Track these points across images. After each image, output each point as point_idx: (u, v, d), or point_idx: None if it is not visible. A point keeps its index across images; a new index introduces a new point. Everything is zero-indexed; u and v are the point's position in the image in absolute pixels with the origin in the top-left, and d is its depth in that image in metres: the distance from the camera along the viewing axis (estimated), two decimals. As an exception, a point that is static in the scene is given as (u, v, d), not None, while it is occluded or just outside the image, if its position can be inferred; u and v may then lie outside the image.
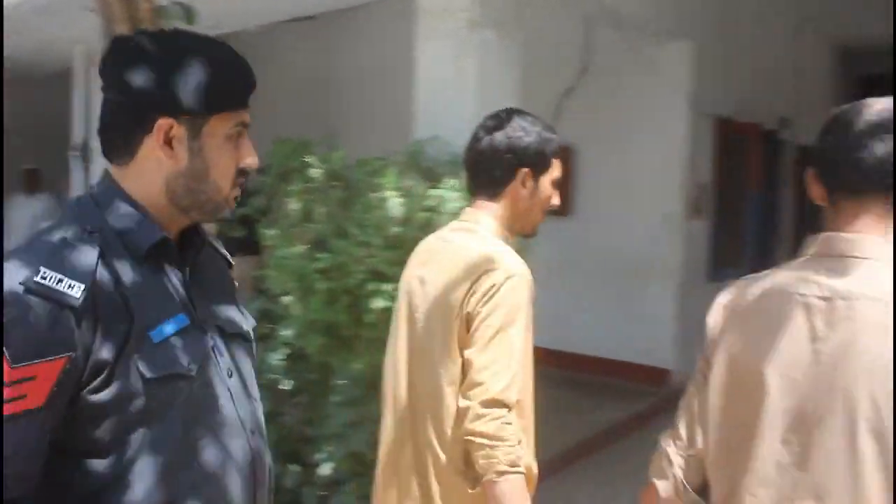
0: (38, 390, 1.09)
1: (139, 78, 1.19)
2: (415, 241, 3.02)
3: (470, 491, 1.77)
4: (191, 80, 1.20)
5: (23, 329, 1.08)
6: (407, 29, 4.23)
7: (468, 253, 1.82)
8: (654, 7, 5.81)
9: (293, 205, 3.15)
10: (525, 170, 1.87)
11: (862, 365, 1.25)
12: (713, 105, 6.63)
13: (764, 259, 8.38)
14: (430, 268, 1.89)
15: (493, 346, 1.71)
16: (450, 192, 3.01)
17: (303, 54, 7.87)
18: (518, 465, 1.67)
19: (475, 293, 1.75)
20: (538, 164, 1.88)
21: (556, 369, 6.01)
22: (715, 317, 1.46)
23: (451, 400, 1.78)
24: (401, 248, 2.98)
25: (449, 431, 1.79)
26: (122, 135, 1.24)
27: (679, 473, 1.48)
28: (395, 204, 3.00)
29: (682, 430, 1.49)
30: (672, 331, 6.43)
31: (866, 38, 9.89)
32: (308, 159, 3.24)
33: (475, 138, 1.91)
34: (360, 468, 3.42)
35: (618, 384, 6.24)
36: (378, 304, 2.91)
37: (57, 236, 1.17)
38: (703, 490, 1.48)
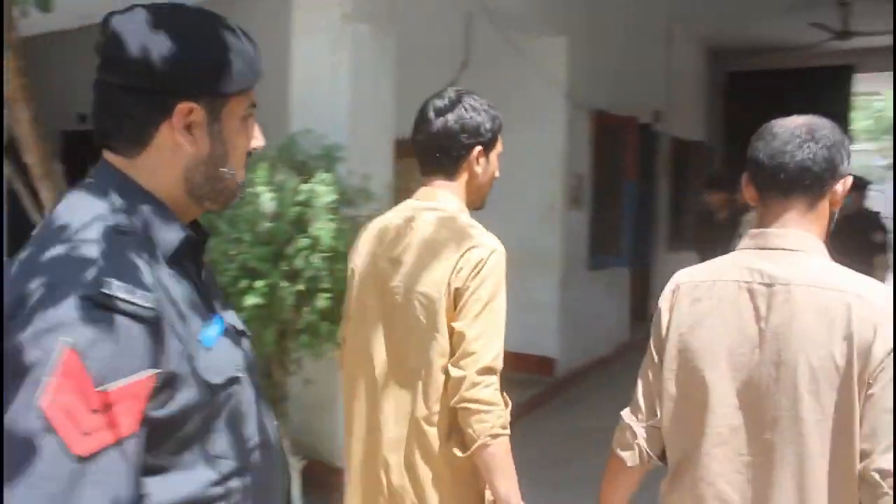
0: (129, 414, 0.95)
1: (154, 58, 1.05)
2: (287, 236, 3.03)
3: (460, 455, 1.84)
4: (210, 59, 1.09)
5: (103, 348, 0.93)
6: (281, 23, 4.17)
7: (448, 231, 1.88)
8: (530, 3, 5.94)
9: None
10: (479, 147, 1.94)
11: (800, 340, 1.47)
12: (589, 98, 6.83)
13: (641, 247, 8.70)
14: (405, 248, 1.93)
15: (482, 318, 1.80)
16: (321, 185, 2.98)
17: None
18: (507, 428, 1.80)
19: (462, 269, 1.82)
20: (489, 141, 1.96)
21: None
22: (667, 302, 1.67)
23: (438, 372, 1.85)
24: (272, 244, 2.94)
25: (437, 403, 1.86)
26: (133, 122, 1.09)
27: (643, 443, 1.67)
28: (266, 199, 2.95)
29: (642, 404, 1.68)
30: (556, 320, 6.60)
31: (734, 39, 10.41)
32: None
33: (426, 120, 1.94)
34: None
35: (504, 374, 6.31)
36: (251, 301, 2.86)
37: (95, 237, 1.01)
38: (662, 456, 1.69)
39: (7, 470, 0.88)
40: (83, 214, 1.05)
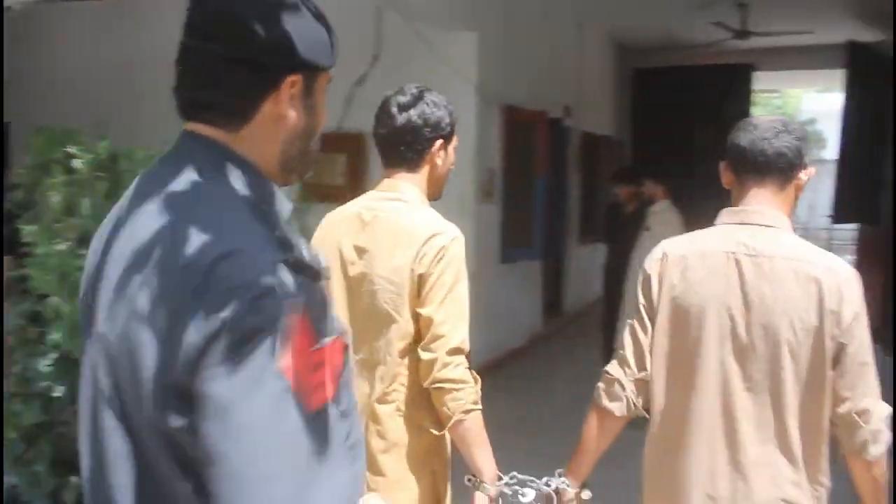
0: (332, 370, 0.98)
1: (266, 29, 1.03)
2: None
3: (436, 433, 1.96)
4: (312, 33, 1.08)
5: (313, 309, 0.97)
6: (180, 14, 4.04)
7: (410, 220, 1.99)
8: (440, -3, 5.95)
9: (54, 198, 2.91)
10: (440, 141, 2.05)
11: (783, 306, 1.73)
12: (500, 93, 6.90)
13: (552, 240, 8.85)
14: (369, 236, 2.02)
15: (447, 303, 1.93)
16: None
17: (72, 37, 7.35)
18: (479, 403, 1.94)
19: (426, 255, 1.93)
20: (448, 134, 2.08)
21: (357, 357, 6.05)
22: (657, 268, 1.88)
23: (396, 355, 1.97)
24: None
25: (391, 384, 1.98)
26: (238, 94, 1.06)
27: (631, 395, 1.88)
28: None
29: (631, 360, 1.88)
30: (469, 313, 6.61)
31: (641, 36, 10.69)
32: (71, 149, 3.01)
33: (389, 116, 2.03)
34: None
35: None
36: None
37: (242, 207, 1.02)
38: (645, 408, 1.90)
39: (239, 433, 0.90)
40: (209, 187, 1.03)
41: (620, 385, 1.89)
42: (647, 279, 1.88)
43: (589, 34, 9.62)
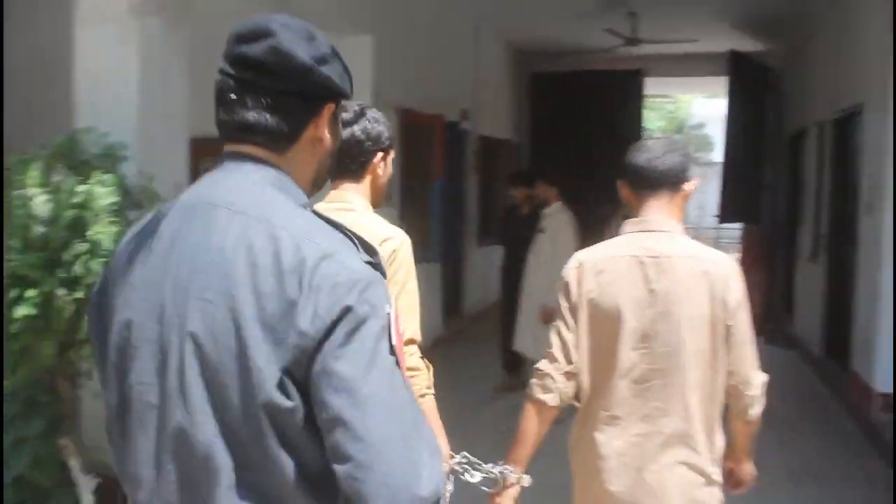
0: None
1: (314, 67, 1.23)
2: (62, 241, 2.83)
3: None
4: (341, 68, 1.29)
5: (391, 300, 1.17)
6: (64, 11, 3.89)
7: (360, 226, 2.12)
8: (334, 1, 5.91)
9: None
10: (380, 153, 2.24)
11: (681, 297, 2.05)
12: (396, 97, 6.90)
13: (451, 243, 8.92)
14: None
15: (401, 299, 2.09)
16: (100, 187, 2.82)
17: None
18: (432, 388, 2.16)
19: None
20: (387, 147, 2.27)
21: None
22: (575, 276, 2.15)
23: None
24: (46, 250, 2.74)
25: None
26: (290, 121, 1.24)
27: (561, 387, 2.13)
28: (40, 202, 2.75)
29: (559, 356, 2.14)
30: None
31: (536, 41, 10.89)
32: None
33: None
34: (29, 494, 3.12)
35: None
36: (22, 312, 2.65)
37: (312, 218, 1.22)
38: (574, 398, 2.19)
39: (365, 402, 1.09)
40: (280, 200, 1.21)
41: (551, 378, 2.14)
42: (567, 285, 2.16)
43: (485, 39, 9.76)
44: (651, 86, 12.41)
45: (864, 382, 6.07)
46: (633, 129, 11.78)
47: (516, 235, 6.33)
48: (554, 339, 2.16)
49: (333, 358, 1.08)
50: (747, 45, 10.39)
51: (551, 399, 2.14)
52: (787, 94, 10.33)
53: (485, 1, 8.56)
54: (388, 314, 1.14)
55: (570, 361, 2.13)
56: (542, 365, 2.17)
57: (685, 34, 9.62)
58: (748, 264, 10.38)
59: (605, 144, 11.11)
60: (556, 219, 5.89)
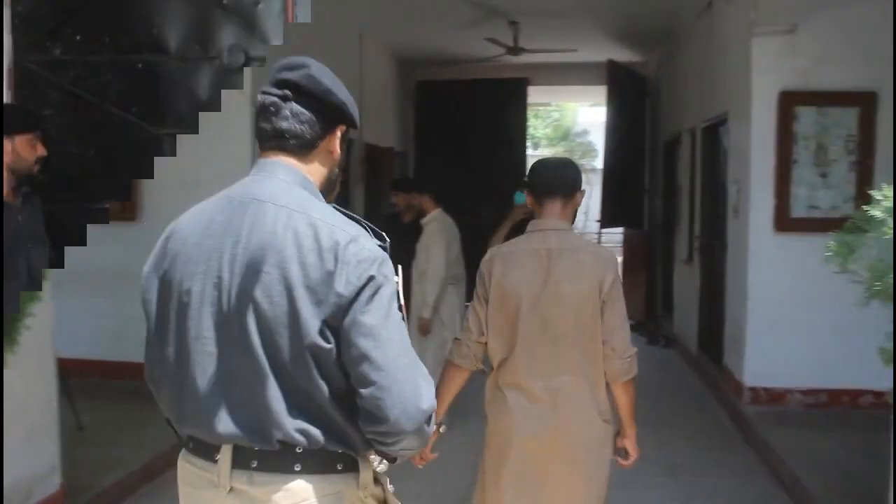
0: None
1: (338, 95, 1.66)
2: None
3: None
4: (351, 102, 1.70)
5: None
6: None
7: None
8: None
9: None
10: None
11: (569, 282, 2.53)
12: (276, 105, 6.74)
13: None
14: None
15: None
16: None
17: None
18: None
19: None
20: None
21: (122, 381, 5.73)
22: (487, 266, 2.63)
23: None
24: None
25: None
26: (314, 132, 1.65)
27: (473, 352, 2.63)
28: None
29: (473, 328, 2.63)
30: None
31: (420, 49, 10.91)
32: None
33: None
34: None
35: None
36: None
37: (333, 211, 1.61)
38: (483, 363, 2.68)
39: (385, 343, 1.51)
40: (312, 197, 1.64)
41: (466, 346, 2.63)
42: (481, 273, 2.65)
43: (370, 47, 9.71)
44: (536, 94, 12.67)
45: (735, 377, 6.35)
46: (518, 137, 12.01)
47: (397, 246, 6.24)
48: (471, 316, 2.65)
49: (361, 312, 1.49)
50: (625, 55, 10.75)
51: (465, 363, 2.65)
52: (663, 102, 10.72)
53: (369, 9, 8.51)
54: (397, 282, 1.58)
55: (481, 334, 2.62)
56: (460, 335, 2.69)
57: (565, 44, 9.85)
58: (630, 267, 10.73)
59: (492, 152, 11.31)
60: (435, 226, 5.82)
